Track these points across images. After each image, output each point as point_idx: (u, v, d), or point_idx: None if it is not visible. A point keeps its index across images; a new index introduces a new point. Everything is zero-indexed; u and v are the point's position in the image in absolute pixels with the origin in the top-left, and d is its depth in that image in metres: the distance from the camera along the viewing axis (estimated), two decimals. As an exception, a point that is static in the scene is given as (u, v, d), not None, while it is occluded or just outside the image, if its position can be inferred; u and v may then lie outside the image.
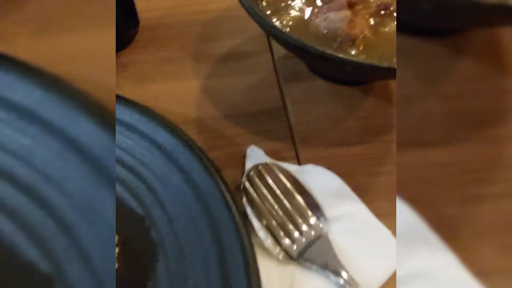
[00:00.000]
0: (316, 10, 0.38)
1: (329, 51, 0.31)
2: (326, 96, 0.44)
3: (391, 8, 0.38)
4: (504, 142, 0.26)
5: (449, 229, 0.24)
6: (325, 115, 0.43)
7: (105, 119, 0.30)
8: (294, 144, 0.41)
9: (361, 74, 0.37)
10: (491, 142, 0.26)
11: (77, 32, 0.40)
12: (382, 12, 0.38)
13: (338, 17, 0.35)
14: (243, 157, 0.39)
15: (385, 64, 0.31)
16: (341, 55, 0.32)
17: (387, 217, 0.35)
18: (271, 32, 0.34)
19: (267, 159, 0.38)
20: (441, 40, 0.28)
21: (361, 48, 0.36)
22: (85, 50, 0.38)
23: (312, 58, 0.32)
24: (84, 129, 0.29)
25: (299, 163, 0.39)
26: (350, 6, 0.36)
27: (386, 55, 0.36)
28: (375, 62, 0.32)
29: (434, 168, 0.26)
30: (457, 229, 0.25)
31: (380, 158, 0.40)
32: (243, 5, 0.34)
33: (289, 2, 0.40)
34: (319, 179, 0.36)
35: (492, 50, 0.28)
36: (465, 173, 0.26)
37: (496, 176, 0.25)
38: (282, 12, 0.39)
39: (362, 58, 0.34)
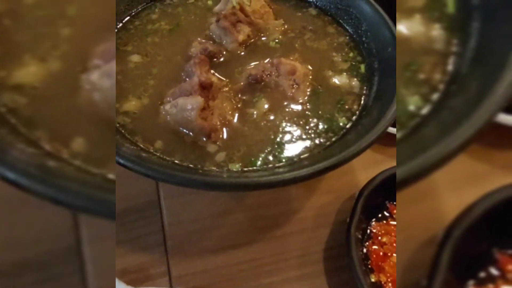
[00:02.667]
0: (171, 91, 0.30)
1: (160, 169, 0.23)
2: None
3: (262, 83, 0.31)
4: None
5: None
6: (207, 209, 0.35)
7: None
8: (166, 253, 0.33)
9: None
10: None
11: None
12: (254, 84, 0.31)
13: (188, 105, 0.27)
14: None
15: (253, 181, 0.24)
16: (181, 174, 0.24)
17: None
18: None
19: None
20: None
21: (222, 140, 0.28)
22: None
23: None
24: None
25: (170, 283, 0.31)
26: (205, 87, 0.28)
27: (253, 148, 0.28)
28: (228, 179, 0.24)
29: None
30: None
31: (271, 263, 0.32)
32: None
33: (139, 81, 0.31)
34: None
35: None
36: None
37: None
38: (126, 96, 0.30)
39: (211, 177, 0.25)
